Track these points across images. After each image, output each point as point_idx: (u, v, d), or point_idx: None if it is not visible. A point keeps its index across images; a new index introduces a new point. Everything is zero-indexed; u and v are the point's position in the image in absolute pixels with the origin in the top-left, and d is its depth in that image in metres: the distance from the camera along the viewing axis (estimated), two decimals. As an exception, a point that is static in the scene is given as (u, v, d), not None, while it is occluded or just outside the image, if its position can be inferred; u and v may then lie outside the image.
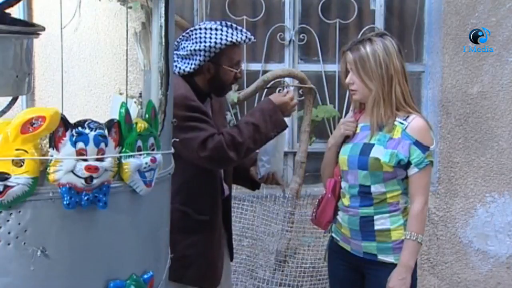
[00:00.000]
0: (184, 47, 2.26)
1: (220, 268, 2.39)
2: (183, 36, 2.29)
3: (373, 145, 2.22)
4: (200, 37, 2.22)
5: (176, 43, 2.31)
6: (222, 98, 2.52)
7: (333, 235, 2.41)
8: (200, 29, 2.24)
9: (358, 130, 2.33)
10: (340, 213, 2.35)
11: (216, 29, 2.22)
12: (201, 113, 2.19)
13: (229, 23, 2.27)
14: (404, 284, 2.18)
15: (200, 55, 2.22)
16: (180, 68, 2.27)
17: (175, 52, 2.29)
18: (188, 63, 2.25)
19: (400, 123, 2.21)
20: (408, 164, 2.19)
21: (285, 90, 2.33)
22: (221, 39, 2.20)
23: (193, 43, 2.22)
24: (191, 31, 2.27)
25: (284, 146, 2.44)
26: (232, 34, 2.23)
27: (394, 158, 2.17)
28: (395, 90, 2.20)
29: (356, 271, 2.33)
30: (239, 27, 2.28)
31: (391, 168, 2.18)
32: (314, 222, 2.48)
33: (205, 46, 2.20)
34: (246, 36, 2.26)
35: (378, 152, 2.19)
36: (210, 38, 2.21)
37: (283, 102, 2.27)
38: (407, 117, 2.22)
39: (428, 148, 2.19)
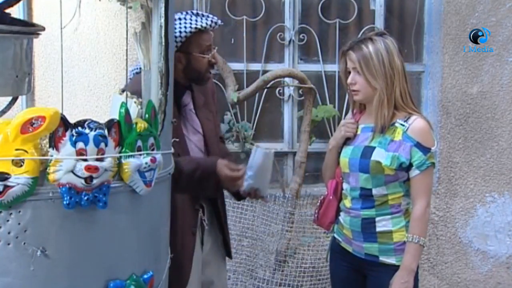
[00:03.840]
0: None
1: (188, 271, 2.31)
2: None
3: (374, 148, 2.21)
4: None
5: None
6: (208, 93, 2.48)
7: (335, 235, 2.41)
8: None
9: (358, 132, 2.31)
10: (342, 214, 2.35)
11: (180, 19, 2.21)
12: None
13: (194, 11, 2.26)
14: (407, 287, 2.17)
15: None
16: None
17: None
18: None
19: (401, 124, 2.19)
20: (409, 166, 2.18)
21: (240, 166, 2.31)
22: (185, 27, 2.19)
23: None
24: None
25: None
26: (196, 20, 2.21)
27: (396, 161, 2.16)
28: (395, 90, 2.19)
29: (358, 272, 2.33)
30: (205, 14, 2.26)
31: (393, 171, 2.17)
32: (316, 222, 2.47)
33: None
34: (212, 21, 2.25)
35: (379, 155, 2.18)
36: (175, 28, 2.18)
37: (226, 174, 2.24)
38: (408, 118, 2.20)
39: (429, 150, 2.18)
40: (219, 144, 2.53)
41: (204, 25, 2.22)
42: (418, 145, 2.16)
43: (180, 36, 2.20)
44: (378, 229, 2.23)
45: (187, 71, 2.28)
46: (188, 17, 2.21)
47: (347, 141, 2.33)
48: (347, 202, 2.30)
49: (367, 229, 2.24)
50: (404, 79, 2.21)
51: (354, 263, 2.32)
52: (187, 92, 2.35)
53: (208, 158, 2.31)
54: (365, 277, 2.32)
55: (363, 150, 2.23)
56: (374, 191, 2.21)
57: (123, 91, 2.08)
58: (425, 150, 2.17)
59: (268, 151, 2.35)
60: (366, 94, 2.23)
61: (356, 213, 2.26)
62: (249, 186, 2.36)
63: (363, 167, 2.21)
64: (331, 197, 2.36)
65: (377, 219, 2.23)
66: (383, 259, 2.24)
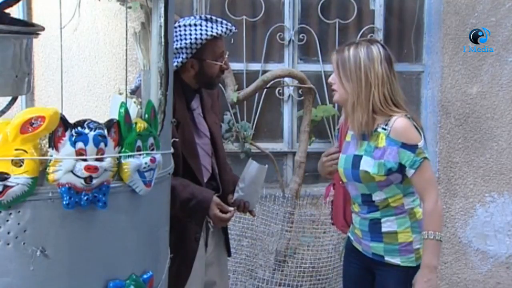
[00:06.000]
0: None
1: (188, 272, 2.30)
2: None
3: (361, 156, 2.22)
4: (181, 35, 2.18)
5: None
6: (215, 95, 2.49)
7: (349, 235, 2.45)
8: (180, 26, 2.20)
9: (348, 138, 2.33)
10: (353, 215, 2.38)
11: (196, 25, 2.19)
12: None
13: (208, 16, 2.24)
14: (431, 285, 2.15)
15: (182, 53, 2.19)
16: None
17: None
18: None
19: (383, 129, 2.18)
20: (403, 168, 2.18)
21: (232, 209, 2.31)
22: (201, 34, 2.18)
23: (174, 41, 2.16)
24: None
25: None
26: (212, 27, 2.20)
27: (382, 168, 2.16)
28: (373, 96, 2.18)
29: (367, 270, 2.35)
30: (219, 19, 2.24)
31: (383, 177, 2.17)
32: (334, 224, 2.59)
33: (185, 43, 2.18)
34: (227, 28, 2.23)
35: (366, 165, 2.19)
36: (190, 34, 2.17)
37: (215, 214, 2.24)
38: (388, 121, 2.19)
39: (416, 146, 2.16)
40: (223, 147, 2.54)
41: (219, 32, 2.20)
42: (404, 146, 2.15)
43: (195, 43, 2.18)
44: (383, 230, 2.24)
45: (199, 76, 2.27)
46: (204, 23, 2.19)
47: (341, 148, 2.36)
48: (355, 207, 2.33)
49: (374, 229, 2.26)
50: (388, 85, 2.19)
51: (363, 261, 2.35)
52: (196, 96, 2.35)
53: (204, 191, 2.26)
54: (374, 276, 2.34)
55: (352, 159, 2.25)
56: (374, 197, 2.23)
57: (133, 92, 2.08)
58: (412, 148, 2.16)
59: (262, 165, 2.36)
60: (341, 95, 2.24)
61: (363, 216, 2.29)
62: (239, 198, 2.36)
63: (355, 177, 2.23)
64: (326, 201, 2.42)
65: (382, 220, 2.25)
66: (388, 259, 2.25)
